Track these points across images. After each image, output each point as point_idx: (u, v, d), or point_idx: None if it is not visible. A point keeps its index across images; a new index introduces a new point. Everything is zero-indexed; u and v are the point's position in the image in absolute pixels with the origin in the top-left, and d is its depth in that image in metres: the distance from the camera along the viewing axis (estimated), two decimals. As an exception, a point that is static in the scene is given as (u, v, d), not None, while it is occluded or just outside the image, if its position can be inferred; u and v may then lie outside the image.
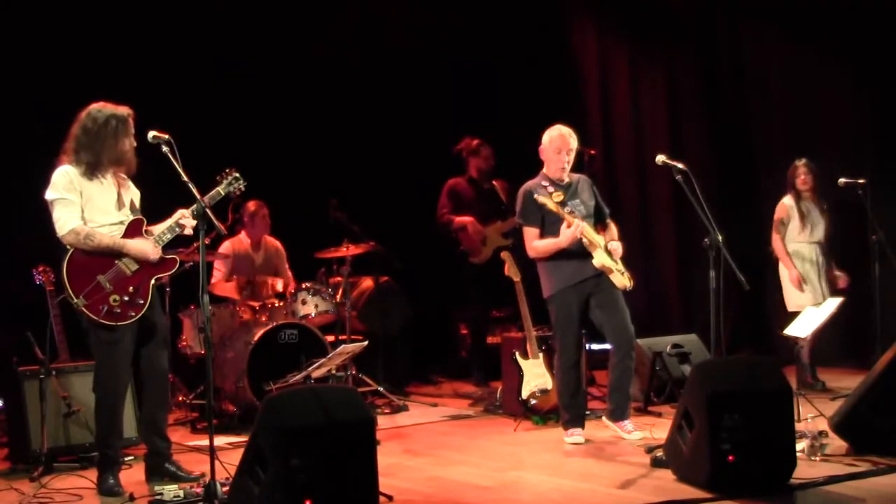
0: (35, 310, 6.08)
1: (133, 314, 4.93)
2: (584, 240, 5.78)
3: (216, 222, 4.85)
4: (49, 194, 4.91)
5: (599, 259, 5.83)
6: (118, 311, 4.88)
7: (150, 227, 5.09)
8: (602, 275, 5.86)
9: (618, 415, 5.99)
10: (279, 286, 7.37)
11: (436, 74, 9.02)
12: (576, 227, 5.74)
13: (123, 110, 5.02)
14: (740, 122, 9.21)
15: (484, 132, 8.39)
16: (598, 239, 5.91)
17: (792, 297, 7.49)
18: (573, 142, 5.95)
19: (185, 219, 5.05)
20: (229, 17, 8.07)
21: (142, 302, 4.96)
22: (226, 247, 7.31)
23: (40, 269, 6.06)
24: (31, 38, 7.25)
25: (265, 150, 8.15)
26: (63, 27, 7.33)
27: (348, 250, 7.31)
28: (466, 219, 8.08)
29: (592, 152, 7.57)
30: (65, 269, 4.84)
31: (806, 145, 8.27)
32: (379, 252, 7.54)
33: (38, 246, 6.25)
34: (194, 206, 4.81)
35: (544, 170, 6.03)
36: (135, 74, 7.39)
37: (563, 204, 5.89)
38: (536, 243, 5.94)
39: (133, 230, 5.03)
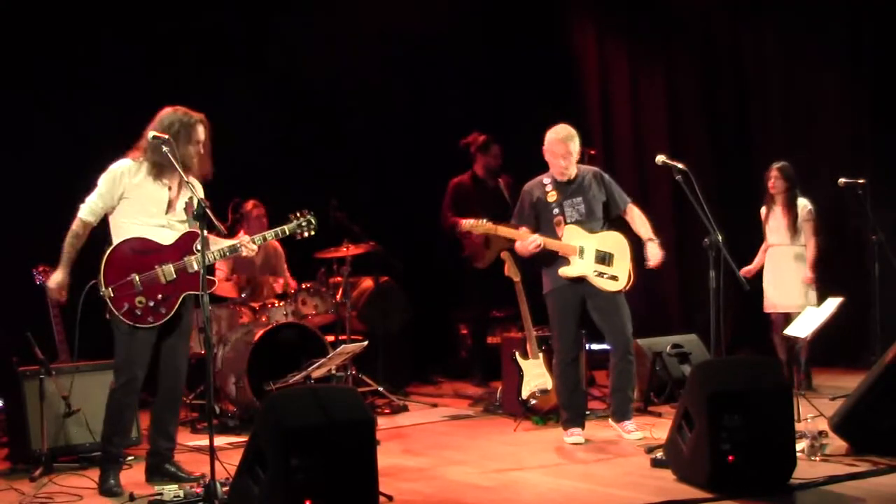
0: (35, 310, 6.08)
1: (152, 320, 4.95)
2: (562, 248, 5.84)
3: (217, 222, 4.85)
4: (101, 178, 5.00)
5: (566, 271, 5.84)
6: (139, 312, 4.91)
7: (212, 235, 5.11)
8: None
9: (619, 415, 5.99)
10: (278, 287, 7.36)
11: (436, 74, 9.02)
12: (530, 243, 5.79)
13: (192, 116, 5.03)
14: (740, 122, 9.21)
15: (483, 132, 8.38)
16: (582, 243, 5.86)
17: (766, 298, 7.55)
18: (574, 145, 5.91)
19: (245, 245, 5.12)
20: (230, 14, 8.07)
21: (164, 311, 4.97)
22: (252, 250, 7.29)
23: (40, 269, 6.04)
24: (32, 40, 7.25)
25: (265, 149, 8.16)
26: (63, 28, 7.33)
27: (348, 250, 7.31)
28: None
29: (592, 152, 7.55)
30: (106, 258, 4.89)
31: (806, 145, 8.28)
32: (379, 252, 7.54)
33: (38, 246, 6.26)
34: (195, 204, 4.83)
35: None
36: (135, 72, 7.41)
37: (558, 204, 5.90)
38: (517, 244, 6.00)
39: (184, 241, 5.03)
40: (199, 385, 6.84)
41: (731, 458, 4.52)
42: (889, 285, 7.29)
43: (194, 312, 6.84)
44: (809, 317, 6.58)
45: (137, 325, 4.92)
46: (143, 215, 4.99)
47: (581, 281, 5.89)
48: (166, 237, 5.01)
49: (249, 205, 7.41)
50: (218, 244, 5.18)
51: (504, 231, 5.89)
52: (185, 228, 5.07)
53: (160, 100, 5.17)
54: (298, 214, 5.34)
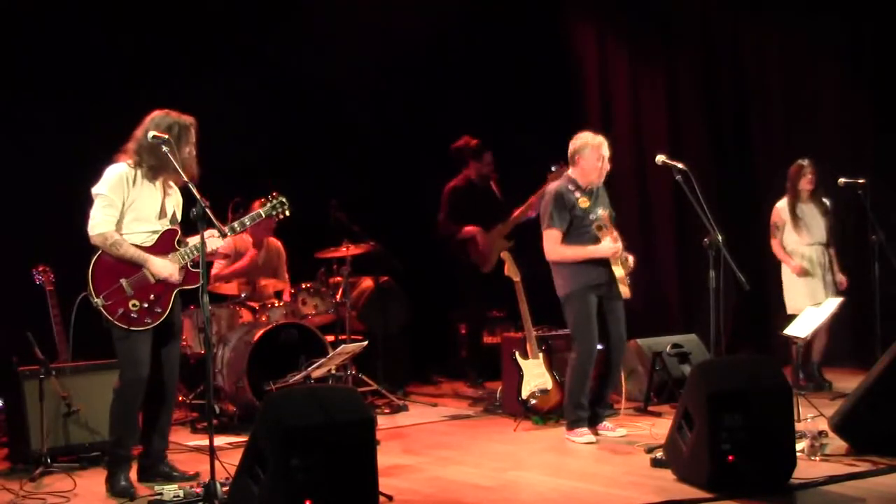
0: (35, 310, 6.08)
1: (149, 321, 4.93)
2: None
3: (217, 223, 4.84)
4: (97, 188, 4.92)
5: (619, 272, 5.90)
6: (135, 316, 4.89)
7: (185, 238, 5.08)
8: (613, 282, 5.90)
9: (596, 421, 6.04)
10: (271, 287, 7.36)
11: (435, 74, 9.01)
12: (618, 248, 5.83)
13: (187, 119, 5.02)
14: (740, 121, 9.21)
15: (483, 132, 8.37)
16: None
17: (792, 300, 7.46)
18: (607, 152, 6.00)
19: (212, 238, 4.98)
20: (230, 13, 8.07)
21: (160, 311, 4.95)
22: (227, 242, 7.29)
23: (40, 268, 6.06)
24: (34, 40, 7.25)
25: (266, 149, 8.15)
26: (65, 28, 7.33)
27: (348, 250, 7.31)
28: (473, 229, 8.02)
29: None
30: (91, 267, 4.86)
31: (806, 145, 8.27)
32: (379, 252, 7.54)
33: (38, 246, 6.28)
34: (195, 210, 4.82)
35: (571, 173, 6.01)
36: (136, 73, 7.40)
37: (587, 211, 5.93)
38: (564, 249, 5.92)
39: (165, 240, 5.01)
40: (199, 385, 6.83)
41: (731, 458, 4.52)
42: (889, 285, 7.28)
43: (195, 313, 6.93)
44: (809, 317, 6.58)
45: (133, 329, 4.87)
46: (140, 222, 4.96)
47: (602, 284, 5.91)
48: (150, 240, 4.98)
49: (257, 205, 7.38)
50: (192, 240, 5.04)
51: (611, 233, 5.88)
52: None
53: (160, 99, 5.16)
54: (271, 197, 5.29)
